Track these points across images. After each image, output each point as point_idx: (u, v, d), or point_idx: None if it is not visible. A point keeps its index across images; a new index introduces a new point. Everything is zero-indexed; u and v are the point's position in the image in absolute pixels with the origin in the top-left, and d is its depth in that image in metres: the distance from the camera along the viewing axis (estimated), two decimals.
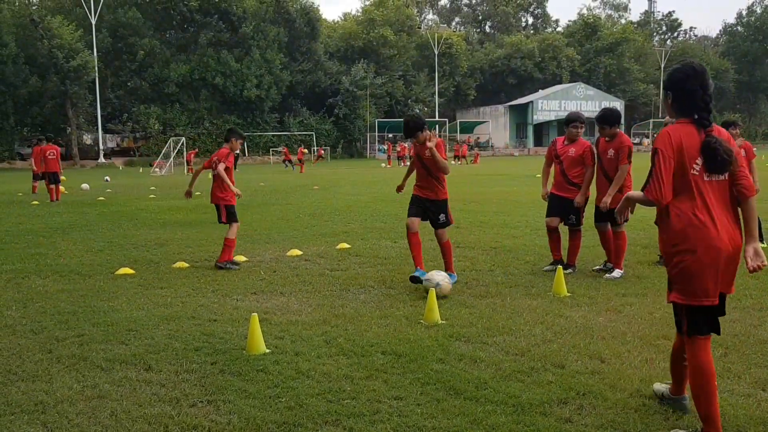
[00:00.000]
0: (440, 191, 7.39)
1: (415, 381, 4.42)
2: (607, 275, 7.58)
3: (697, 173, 3.46)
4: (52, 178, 19.35)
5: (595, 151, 7.83)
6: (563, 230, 8.16)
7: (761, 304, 6.24)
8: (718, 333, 3.61)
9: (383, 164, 46.12)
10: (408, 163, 43.89)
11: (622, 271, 7.58)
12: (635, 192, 3.81)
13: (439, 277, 6.67)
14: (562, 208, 7.95)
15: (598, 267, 8.05)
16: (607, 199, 7.41)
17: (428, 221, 7.44)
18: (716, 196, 3.49)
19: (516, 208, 15.08)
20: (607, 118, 7.62)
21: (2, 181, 31.67)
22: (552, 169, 8.21)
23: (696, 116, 3.50)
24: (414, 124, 7.35)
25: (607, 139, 7.70)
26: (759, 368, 4.57)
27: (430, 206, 7.39)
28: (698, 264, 3.42)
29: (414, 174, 7.67)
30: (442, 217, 7.39)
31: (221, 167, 8.58)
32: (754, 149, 9.56)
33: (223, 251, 8.52)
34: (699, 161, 3.45)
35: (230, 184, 8.64)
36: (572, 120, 8.10)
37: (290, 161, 42.13)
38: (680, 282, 3.50)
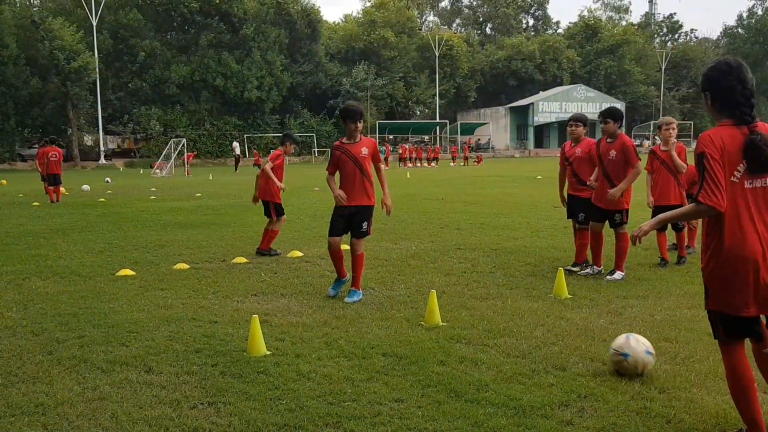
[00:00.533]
0: (370, 196, 6.91)
1: (415, 383, 4.41)
2: (608, 277, 7.58)
3: (737, 180, 3.26)
4: (53, 180, 19.38)
5: (598, 152, 7.83)
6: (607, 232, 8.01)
7: None
8: (759, 339, 3.45)
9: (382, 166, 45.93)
10: (409, 165, 44.21)
11: (623, 273, 7.58)
12: (672, 212, 3.64)
13: (641, 349, 4.50)
14: (581, 206, 8.03)
15: (569, 268, 7.95)
16: (617, 192, 7.39)
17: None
18: (757, 205, 3.28)
19: (517, 209, 15.07)
20: (613, 112, 7.71)
21: (3, 182, 31.67)
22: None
23: (738, 113, 3.30)
24: (356, 111, 6.76)
25: (608, 140, 7.71)
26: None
27: (355, 213, 6.85)
28: (734, 277, 3.27)
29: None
30: (364, 225, 6.88)
31: (268, 166, 9.32)
32: None
33: (268, 239, 9.50)
34: (740, 167, 3.25)
35: (276, 180, 9.34)
36: (568, 120, 8.29)
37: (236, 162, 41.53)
38: (716, 292, 3.37)
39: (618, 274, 7.54)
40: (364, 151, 6.86)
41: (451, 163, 48.72)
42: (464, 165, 46.60)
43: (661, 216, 3.62)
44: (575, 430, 3.72)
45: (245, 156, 54.77)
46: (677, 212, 3.60)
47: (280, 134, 58.20)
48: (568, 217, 8.51)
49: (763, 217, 3.29)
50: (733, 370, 3.40)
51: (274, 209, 9.58)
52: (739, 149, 3.25)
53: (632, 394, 4.17)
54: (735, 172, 3.26)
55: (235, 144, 47.03)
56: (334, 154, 7.04)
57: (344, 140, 7.02)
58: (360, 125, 6.86)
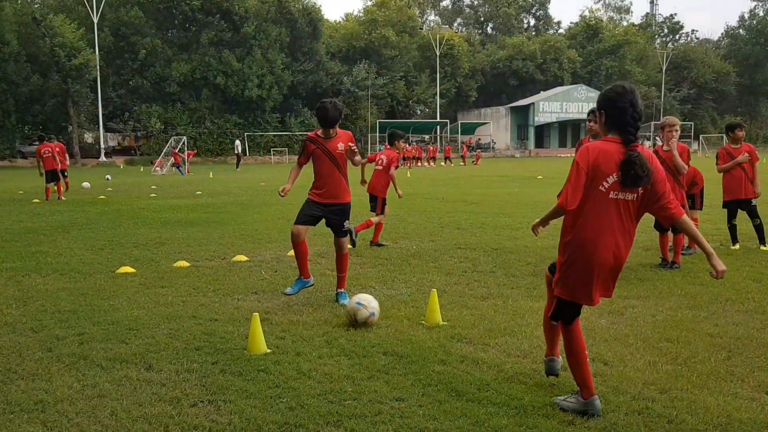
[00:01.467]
0: (347, 193, 6.74)
1: (416, 382, 4.40)
2: None
3: (604, 190, 3.70)
4: (50, 177, 19.06)
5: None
6: None
7: (763, 307, 6.22)
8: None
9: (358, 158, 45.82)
10: (411, 165, 44.21)
11: None
12: (548, 211, 4.06)
13: (374, 304, 5.72)
14: None
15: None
16: None
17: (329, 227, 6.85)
18: (619, 214, 3.74)
19: (517, 209, 15.06)
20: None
21: (3, 179, 31.67)
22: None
23: (625, 133, 3.73)
24: (337, 113, 6.58)
25: (591, 139, 7.71)
26: (762, 371, 4.54)
27: (333, 212, 6.68)
28: (581, 272, 3.81)
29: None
30: (345, 224, 6.75)
31: (394, 171, 10.18)
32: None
33: (377, 230, 10.25)
34: (610, 179, 3.69)
35: (397, 186, 10.37)
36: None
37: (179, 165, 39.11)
38: (566, 281, 3.89)
39: None
40: (340, 146, 6.68)
41: (442, 163, 48.64)
42: (463, 165, 46.60)
43: (542, 218, 4.17)
44: (576, 429, 3.71)
45: (246, 154, 54.76)
46: (549, 212, 4.01)
47: (280, 133, 58.27)
48: None
49: (623, 225, 3.77)
50: (574, 343, 3.96)
51: (381, 205, 10.26)
52: (613, 163, 3.68)
53: (633, 395, 4.16)
54: (604, 183, 3.70)
55: (237, 142, 47.08)
56: (308, 146, 6.78)
57: (319, 134, 6.74)
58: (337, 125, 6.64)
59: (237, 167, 43.26)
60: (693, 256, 8.90)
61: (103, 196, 20.20)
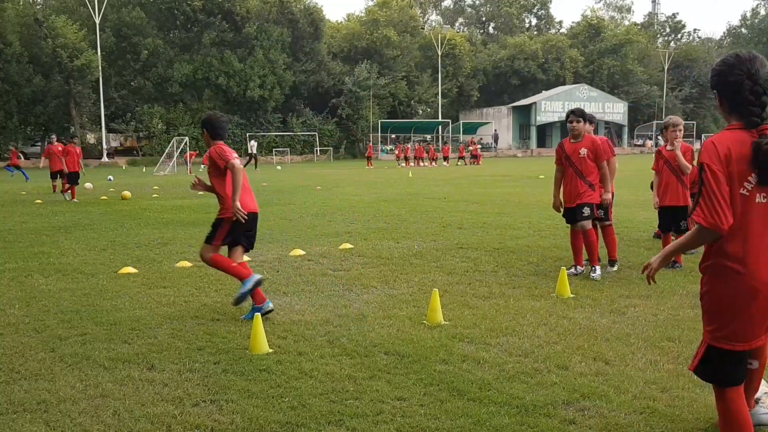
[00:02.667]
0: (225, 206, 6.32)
1: (418, 382, 4.40)
2: (608, 268, 7.83)
3: (747, 194, 2.85)
4: (55, 177, 19.33)
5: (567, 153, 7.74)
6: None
7: None
8: (739, 383, 3.05)
9: (402, 164, 45.80)
10: (411, 164, 44.20)
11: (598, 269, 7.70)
12: (675, 241, 3.23)
13: None
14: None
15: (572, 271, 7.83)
16: (608, 195, 7.60)
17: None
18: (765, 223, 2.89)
19: (519, 209, 15.06)
20: (584, 112, 7.74)
21: (6, 180, 31.72)
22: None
23: (746, 113, 2.90)
24: (220, 123, 6.32)
25: (572, 140, 7.69)
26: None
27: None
28: (731, 303, 2.90)
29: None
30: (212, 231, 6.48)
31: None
32: None
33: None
34: (751, 179, 2.84)
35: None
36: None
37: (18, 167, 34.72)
38: (711, 319, 3.00)
39: (616, 267, 7.72)
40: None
41: (444, 163, 48.62)
42: (460, 164, 46.59)
43: (666, 249, 3.20)
44: (578, 429, 3.71)
45: (260, 154, 54.66)
46: (682, 241, 3.10)
47: (282, 133, 58.00)
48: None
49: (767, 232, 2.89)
50: (733, 418, 3.02)
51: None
52: (748, 157, 2.84)
53: (635, 394, 4.16)
54: (745, 184, 2.85)
55: (253, 143, 47.01)
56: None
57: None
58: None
59: (255, 167, 43.06)
60: (695, 256, 8.90)
61: (105, 197, 20.23)
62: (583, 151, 7.54)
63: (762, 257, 2.87)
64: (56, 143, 21.49)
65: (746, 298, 2.87)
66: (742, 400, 3.03)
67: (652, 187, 8.94)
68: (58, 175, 20.39)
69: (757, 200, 2.86)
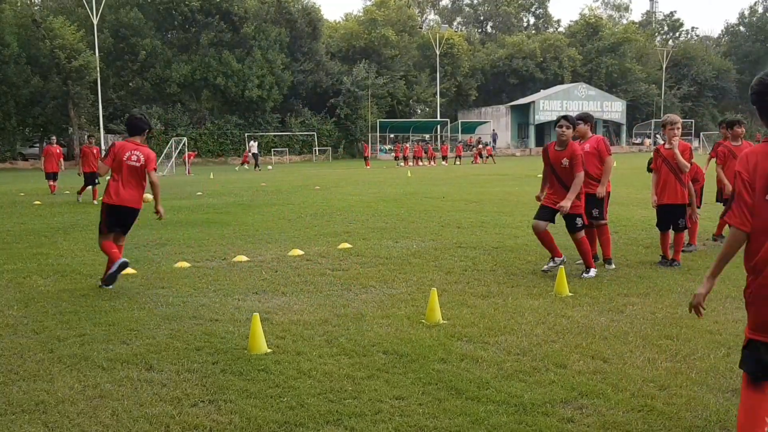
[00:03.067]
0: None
1: (416, 381, 4.41)
2: (606, 266, 7.93)
3: None
4: (88, 179, 18.60)
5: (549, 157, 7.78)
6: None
7: None
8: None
9: (401, 163, 45.86)
10: (411, 164, 44.18)
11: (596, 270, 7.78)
12: (720, 254, 3.28)
13: None
14: (592, 203, 8.09)
15: (546, 267, 7.91)
16: (567, 204, 7.43)
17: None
18: None
19: (517, 208, 15.07)
20: (574, 119, 7.78)
21: (5, 182, 31.69)
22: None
23: None
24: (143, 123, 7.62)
25: (557, 147, 7.66)
26: None
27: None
28: (762, 304, 3.06)
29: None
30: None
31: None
32: None
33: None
34: None
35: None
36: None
37: None
38: (749, 313, 3.17)
39: (592, 272, 7.64)
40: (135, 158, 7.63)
41: (443, 162, 48.62)
42: (458, 164, 46.69)
43: (712, 271, 3.33)
44: (576, 427, 3.71)
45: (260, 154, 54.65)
46: (719, 255, 3.26)
47: (281, 133, 58.16)
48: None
49: None
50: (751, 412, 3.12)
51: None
52: None
53: (633, 392, 4.17)
54: None
55: (253, 143, 47.02)
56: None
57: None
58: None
59: (256, 167, 43.09)
60: (693, 254, 8.91)
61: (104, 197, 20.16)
62: (565, 162, 7.48)
63: None
64: (55, 145, 21.53)
65: None
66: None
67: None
68: (56, 176, 20.43)
69: None
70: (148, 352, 5.10)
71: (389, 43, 71.14)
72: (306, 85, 65.72)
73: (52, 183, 21.48)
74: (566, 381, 4.35)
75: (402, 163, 45.67)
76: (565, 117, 7.68)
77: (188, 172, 39.39)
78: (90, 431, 3.78)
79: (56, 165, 21.39)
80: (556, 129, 7.64)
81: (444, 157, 50.23)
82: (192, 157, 43.94)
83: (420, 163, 45.96)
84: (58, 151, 21.56)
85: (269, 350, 5.05)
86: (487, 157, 49.27)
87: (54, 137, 22.93)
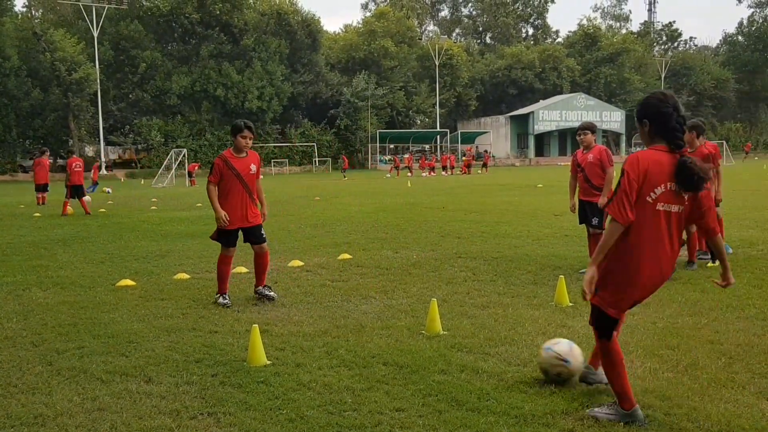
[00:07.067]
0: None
1: (416, 392, 4.39)
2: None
3: (651, 201, 3.63)
4: (76, 192, 18.59)
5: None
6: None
7: (764, 313, 6.21)
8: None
9: (388, 175, 46.07)
10: (409, 174, 44.24)
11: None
12: (601, 242, 3.76)
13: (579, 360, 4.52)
14: (594, 210, 8.40)
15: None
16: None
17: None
18: (665, 226, 3.67)
19: (517, 218, 15.06)
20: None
21: (4, 194, 31.73)
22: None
23: (672, 139, 3.66)
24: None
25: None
26: (763, 378, 4.53)
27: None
28: (621, 284, 3.72)
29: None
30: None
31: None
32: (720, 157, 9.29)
33: None
34: (658, 189, 3.62)
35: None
36: (577, 130, 8.74)
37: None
38: (604, 291, 3.77)
39: None
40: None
41: (443, 173, 48.66)
42: (453, 174, 46.83)
43: (594, 259, 3.77)
44: None
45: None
46: (603, 243, 3.74)
47: (281, 144, 58.56)
48: (581, 222, 8.75)
49: (669, 237, 3.69)
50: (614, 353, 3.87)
51: None
52: (664, 174, 3.62)
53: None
54: (651, 193, 3.62)
55: None
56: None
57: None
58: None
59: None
60: (704, 261, 8.90)
61: (103, 209, 20.22)
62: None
63: (654, 252, 3.67)
64: (45, 157, 21.84)
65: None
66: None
67: None
68: (46, 188, 20.89)
69: (657, 207, 3.64)
70: (147, 364, 5.08)
71: (389, 54, 71.44)
72: (306, 96, 65.95)
73: (40, 195, 21.74)
74: (567, 392, 4.33)
75: (388, 175, 45.92)
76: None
77: (193, 183, 39.49)
78: None
79: (47, 177, 21.63)
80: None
81: (444, 167, 50.32)
82: (196, 168, 43.96)
83: (410, 174, 45.99)
84: (48, 162, 21.90)
85: (269, 362, 5.03)
86: (483, 166, 49.53)
87: (46, 149, 23.10)
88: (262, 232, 7.36)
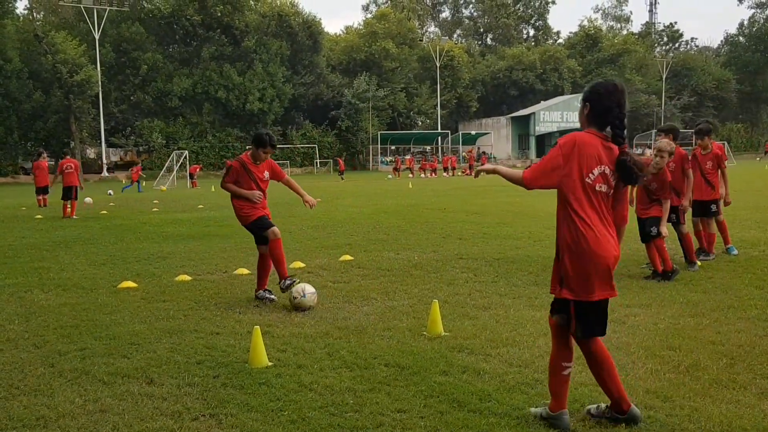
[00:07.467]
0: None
1: (418, 393, 4.39)
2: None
3: (591, 182, 3.65)
4: (67, 193, 18.50)
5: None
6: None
7: (766, 314, 6.20)
8: (604, 334, 3.86)
9: (389, 176, 46.17)
10: (411, 176, 44.23)
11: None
12: (508, 170, 3.96)
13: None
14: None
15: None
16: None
17: None
18: (605, 205, 3.73)
19: (519, 219, 15.06)
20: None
21: (6, 196, 31.77)
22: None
23: (609, 131, 3.70)
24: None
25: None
26: (764, 379, 4.53)
27: None
28: (589, 265, 3.67)
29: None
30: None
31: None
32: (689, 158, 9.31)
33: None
34: (596, 170, 3.65)
35: None
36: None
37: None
38: (566, 277, 3.73)
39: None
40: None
41: (444, 174, 48.68)
42: (455, 175, 46.87)
43: (497, 167, 3.97)
44: None
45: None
46: (508, 173, 3.93)
47: (282, 146, 58.42)
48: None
49: (608, 217, 3.75)
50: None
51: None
52: (597, 156, 3.66)
53: (636, 403, 4.14)
54: (590, 174, 3.65)
55: None
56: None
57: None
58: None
59: None
60: (709, 262, 8.88)
61: (105, 211, 20.25)
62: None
63: (602, 229, 3.70)
64: (42, 159, 22.06)
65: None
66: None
67: None
68: (46, 190, 21.23)
69: (597, 188, 3.68)
70: (149, 366, 5.08)
71: (390, 56, 71.47)
72: (307, 97, 66.01)
73: (41, 197, 21.87)
74: (569, 393, 4.32)
75: (390, 176, 45.96)
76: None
77: (194, 185, 39.53)
78: None
79: (47, 179, 21.73)
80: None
81: (446, 169, 50.36)
82: (197, 170, 44.01)
83: (411, 175, 46.03)
84: (45, 164, 22.12)
85: (270, 363, 5.04)
86: (473, 168, 49.53)
87: (42, 151, 23.23)
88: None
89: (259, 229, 7.27)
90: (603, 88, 3.72)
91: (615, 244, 3.73)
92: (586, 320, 3.76)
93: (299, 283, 6.98)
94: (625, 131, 3.73)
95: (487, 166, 4.05)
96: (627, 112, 3.75)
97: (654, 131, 73.17)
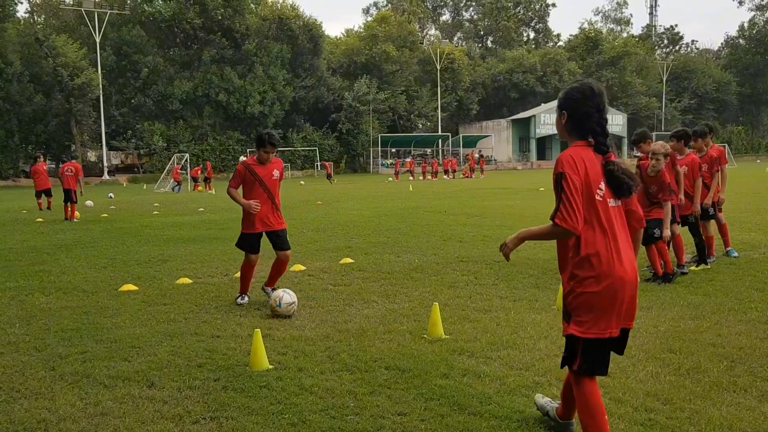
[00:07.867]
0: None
1: (418, 396, 4.39)
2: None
3: (601, 199, 3.30)
4: (67, 196, 18.71)
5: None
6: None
7: (767, 316, 6.20)
8: (606, 374, 3.52)
9: (390, 179, 46.24)
10: (411, 178, 44.25)
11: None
12: (532, 228, 3.56)
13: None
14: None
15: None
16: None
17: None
18: (619, 223, 3.37)
19: (519, 221, 15.06)
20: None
21: (7, 199, 31.80)
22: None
23: (591, 140, 3.37)
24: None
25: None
26: (765, 381, 4.53)
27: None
28: (602, 295, 3.28)
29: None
30: None
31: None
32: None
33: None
34: (602, 186, 3.31)
35: None
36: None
37: None
38: (578, 311, 3.34)
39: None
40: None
41: (445, 176, 48.67)
42: (455, 177, 46.96)
43: (523, 232, 3.56)
44: None
45: None
46: (537, 230, 3.51)
47: (283, 149, 58.40)
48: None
49: (625, 233, 3.40)
50: (595, 403, 3.44)
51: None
52: (599, 170, 3.32)
53: (636, 406, 4.15)
54: (598, 191, 3.30)
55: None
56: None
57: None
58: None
59: None
60: (714, 263, 8.88)
61: (106, 214, 20.26)
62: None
63: (620, 253, 3.31)
64: (40, 163, 22.19)
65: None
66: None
67: None
68: (44, 194, 21.39)
69: (610, 204, 3.33)
70: (149, 369, 5.09)
71: (390, 59, 71.49)
72: (307, 100, 66.03)
73: (45, 200, 22.02)
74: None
75: (391, 179, 45.98)
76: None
77: (196, 188, 39.55)
78: None
79: (47, 182, 21.82)
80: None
81: (446, 171, 50.36)
82: (198, 173, 44.00)
83: (411, 178, 46.05)
84: (44, 168, 22.32)
85: (271, 366, 5.04)
86: (474, 170, 49.65)
87: (39, 155, 23.32)
88: (287, 238, 7.52)
89: (243, 245, 7.44)
90: (578, 93, 3.39)
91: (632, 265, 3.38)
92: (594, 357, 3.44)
93: (267, 300, 6.96)
94: (608, 138, 3.41)
95: (513, 240, 3.60)
96: (606, 117, 3.45)
97: (655, 134, 73.26)
